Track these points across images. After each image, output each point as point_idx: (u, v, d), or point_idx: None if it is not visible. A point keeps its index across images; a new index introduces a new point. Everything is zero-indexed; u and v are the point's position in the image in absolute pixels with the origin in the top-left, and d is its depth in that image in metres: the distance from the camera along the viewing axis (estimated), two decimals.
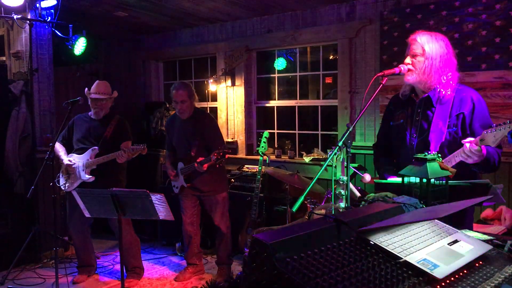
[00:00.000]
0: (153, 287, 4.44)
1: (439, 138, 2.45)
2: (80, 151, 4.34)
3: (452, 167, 2.24)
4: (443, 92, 2.47)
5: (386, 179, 2.61)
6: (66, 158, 4.33)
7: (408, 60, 2.52)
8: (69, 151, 4.44)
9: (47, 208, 5.11)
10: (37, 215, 5.10)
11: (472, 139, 2.22)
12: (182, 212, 4.55)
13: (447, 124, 2.45)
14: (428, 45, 2.48)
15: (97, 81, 4.45)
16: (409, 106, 2.64)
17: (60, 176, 4.40)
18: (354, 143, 4.84)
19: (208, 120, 4.44)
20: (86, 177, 4.23)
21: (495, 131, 2.08)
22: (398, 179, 2.36)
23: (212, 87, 6.31)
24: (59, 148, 4.43)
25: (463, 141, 2.25)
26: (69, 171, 4.33)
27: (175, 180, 4.47)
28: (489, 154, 2.29)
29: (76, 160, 4.31)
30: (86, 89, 4.40)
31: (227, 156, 4.00)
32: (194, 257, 4.63)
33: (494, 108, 4.09)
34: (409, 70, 2.50)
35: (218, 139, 4.38)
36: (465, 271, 1.23)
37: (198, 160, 4.09)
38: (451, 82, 2.49)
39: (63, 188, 4.39)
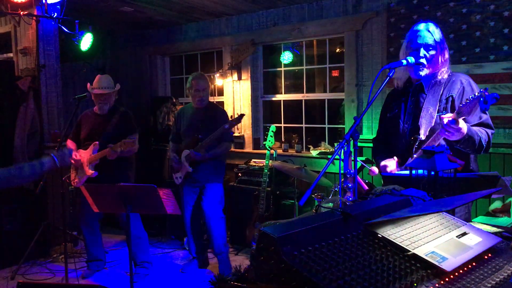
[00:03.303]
0: (162, 281, 4.47)
1: (429, 123, 2.47)
2: (85, 148, 4.37)
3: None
4: (439, 78, 2.52)
5: (379, 164, 2.62)
6: (72, 155, 4.37)
7: (422, 53, 2.50)
8: (78, 147, 4.47)
9: (56, 203, 5.15)
10: (46, 211, 5.14)
11: (450, 114, 2.24)
12: (183, 208, 4.56)
13: (437, 108, 2.47)
14: (436, 35, 2.49)
15: (98, 76, 4.43)
16: (404, 95, 2.67)
17: (71, 172, 4.44)
18: (361, 136, 4.82)
19: (219, 110, 4.61)
20: (89, 172, 4.25)
21: (469, 102, 2.11)
22: (405, 171, 2.35)
23: (218, 81, 6.31)
24: (70, 145, 4.47)
25: (442, 116, 2.26)
26: (77, 167, 4.35)
27: (177, 170, 4.49)
28: (471, 132, 2.31)
29: (82, 156, 4.34)
30: (88, 84, 4.41)
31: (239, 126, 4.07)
32: (199, 250, 4.66)
33: (502, 100, 4.02)
34: (419, 63, 2.49)
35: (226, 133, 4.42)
36: (473, 264, 1.22)
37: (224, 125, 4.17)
38: (447, 68, 2.54)
39: (73, 184, 4.42)
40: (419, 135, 2.47)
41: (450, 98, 2.46)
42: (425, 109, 2.49)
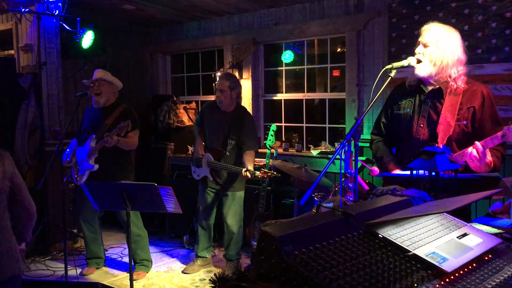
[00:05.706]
0: (161, 279, 4.47)
1: (447, 131, 2.43)
2: (83, 143, 4.37)
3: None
4: (455, 86, 2.46)
5: (388, 170, 2.60)
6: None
7: (419, 49, 2.49)
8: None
9: (56, 201, 5.15)
10: (46, 208, 5.13)
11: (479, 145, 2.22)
12: (200, 204, 4.58)
13: (455, 117, 2.43)
14: (442, 37, 2.46)
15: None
16: (417, 95, 2.60)
17: (72, 170, 4.43)
18: (362, 136, 4.82)
19: (247, 118, 4.43)
20: (90, 166, 4.24)
21: (493, 140, 2.10)
22: (405, 172, 2.35)
23: None
24: (73, 143, 4.48)
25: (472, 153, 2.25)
26: (78, 165, 4.36)
27: (198, 165, 4.47)
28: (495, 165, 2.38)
29: (79, 153, 4.34)
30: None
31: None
32: (204, 250, 4.66)
33: (503, 101, 4.05)
34: (418, 61, 2.48)
35: (252, 140, 4.38)
36: (474, 265, 1.22)
37: (245, 171, 4.02)
38: (462, 77, 2.47)
39: (75, 182, 4.42)
40: (436, 143, 2.41)
41: (472, 109, 2.43)
42: (443, 116, 2.45)
